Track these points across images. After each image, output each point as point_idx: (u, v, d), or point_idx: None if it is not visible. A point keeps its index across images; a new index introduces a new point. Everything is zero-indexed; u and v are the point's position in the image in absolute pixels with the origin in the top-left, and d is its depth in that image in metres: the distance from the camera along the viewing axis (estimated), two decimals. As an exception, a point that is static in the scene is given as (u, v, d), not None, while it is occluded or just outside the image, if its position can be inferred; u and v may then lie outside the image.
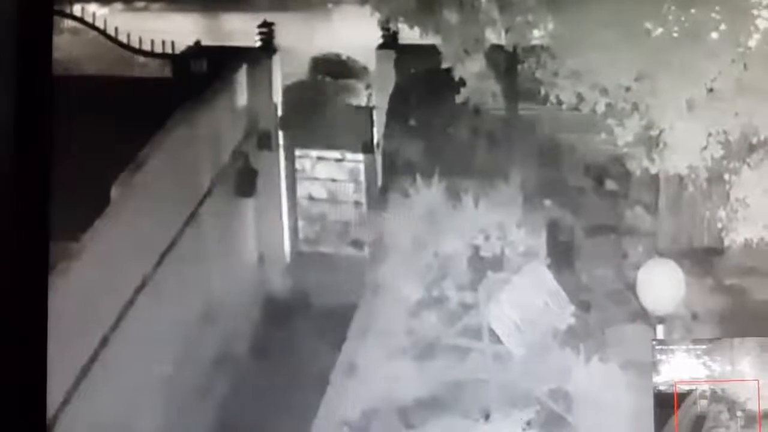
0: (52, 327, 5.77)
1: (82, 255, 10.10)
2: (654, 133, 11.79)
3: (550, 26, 11.98)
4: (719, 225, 11.86)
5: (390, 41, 14.45)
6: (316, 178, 14.63)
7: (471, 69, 12.43)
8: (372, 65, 14.80)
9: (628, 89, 11.72)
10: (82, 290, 9.70)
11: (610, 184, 12.86)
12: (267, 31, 14.85)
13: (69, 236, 9.66)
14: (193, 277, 12.25)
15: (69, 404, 9.26)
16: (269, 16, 14.83)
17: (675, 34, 11.34)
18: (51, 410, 6.45)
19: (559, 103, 11.98)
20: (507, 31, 12.23)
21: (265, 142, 14.31)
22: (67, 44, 13.70)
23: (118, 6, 15.46)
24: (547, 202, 12.70)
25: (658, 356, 8.97)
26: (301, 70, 14.94)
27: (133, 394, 10.29)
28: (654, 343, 9.33)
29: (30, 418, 5.57)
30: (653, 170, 12.07)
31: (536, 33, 12.19)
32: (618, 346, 11.22)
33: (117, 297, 10.62)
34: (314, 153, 14.54)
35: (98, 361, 9.92)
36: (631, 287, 11.01)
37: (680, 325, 11.12)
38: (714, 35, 11.20)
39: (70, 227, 9.34)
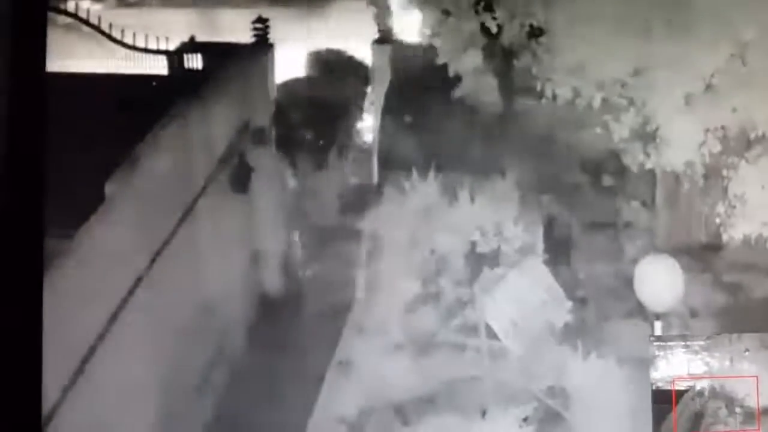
0: (47, 325, 5.72)
1: (77, 252, 10.04)
2: (651, 128, 11.77)
3: (546, 21, 11.95)
4: (717, 221, 11.83)
5: (386, 36, 14.42)
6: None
7: (467, 64, 12.41)
8: (368, 61, 14.77)
9: (624, 84, 11.71)
10: (77, 288, 9.64)
11: (607, 180, 12.84)
12: (262, 26, 14.79)
13: (63, 233, 9.61)
14: (189, 274, 12.20)
15: (65, 402, 9.22)
16: (265, 12, 14.79)
17: (672, 29, 11.30)
18: (46, 408, 6.41)
19: (555, 98, 11.95)
20: (503, 26, 12.20)
21: (261, 138, 14.26)
22: (62, 40, 13.63)
23: (113, 2, 15.41)
24: (544, 198, 12.67)
25: (656, 352, 8.93)
26: (297, 66, 14.90)
27: (129, 392, 10.24)
28: (652, 339, 9.28)
29: (25, 417, 5.50)
30: (650, 165, 12.05)
31: (532, 28, 12.17)
32: (615, 342, 11.20)
33: (112, 294, 10.56)
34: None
35: (93, 360, 9.87)
36: (629, 283, 10.97)
37: (678, 321, 11.10)
38: (712, 30, 11.16)
39: (64, 224, 9.30)
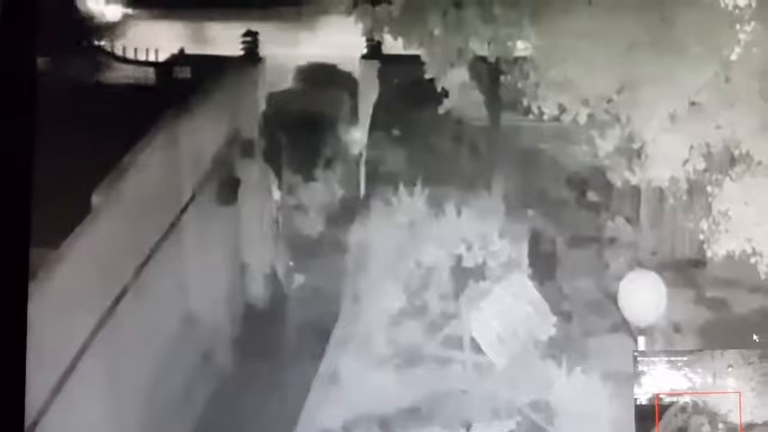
0: (32, 334, 5.72)
1: (63, 262, 10.03)
2: (636, 145, 11.82)
3: (533, 38, 11.99)
4: (701, 237, 11.85)
5: (374, 51, 14.48)
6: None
7: (454, 80, 12.44)
8: (356, 75, 14.83)
9: (609, 101, 11.74)
10: (62, 297, 9.64)
11: (591, 196, 12.90)
12: (251, 40, 14.84)
13: (50, 243, 9.61)
14: (175, 284, 12.20)
15: (48, 411, 9.20)
16: (254, 26, 14.84)
17: (658, 47, 11.35)
18: (30, 417, 6.42)
19: (541, 113, 11.98)
20: (490, 42, 12.23)
21: (248, 150, 14.29)
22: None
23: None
24: (530, 213, 12.72)
25: (640, 368, 8.94)
26: (285, 79, 14.95)
27: (113, 401, 10.23)
28: (635, 354, 9.30)
29: (8, 426, 5.51)
30: (634, 181, 12.10)
31: (519, 45, 12.20)
32: (599, 357, 11.22)
33: (97, 304, 10.56)
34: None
35: (78, 369, 9.85)
36: (613, 298, 11.01)
37: (662, 336, 11.13)
38: (696, 49, 11.23)
39: (50, 234, 9.29)
